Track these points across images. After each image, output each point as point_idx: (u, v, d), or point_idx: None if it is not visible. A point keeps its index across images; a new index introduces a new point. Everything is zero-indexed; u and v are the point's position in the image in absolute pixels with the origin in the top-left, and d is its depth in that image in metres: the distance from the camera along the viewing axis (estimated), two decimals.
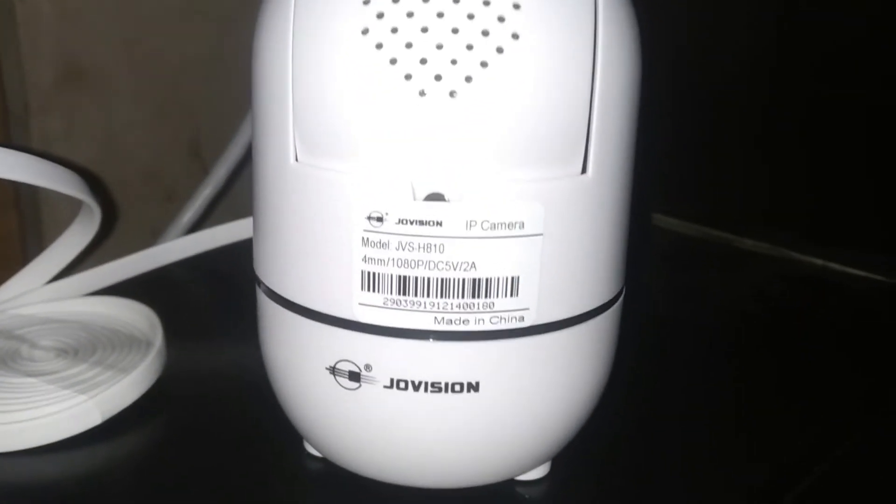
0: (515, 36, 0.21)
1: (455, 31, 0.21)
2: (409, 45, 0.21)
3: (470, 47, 0.21)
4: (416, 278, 0.22)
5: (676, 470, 0.29)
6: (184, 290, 0.41)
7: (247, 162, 0.51)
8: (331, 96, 0.22)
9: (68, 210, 0.50)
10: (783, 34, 0.44)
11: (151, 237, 0.55)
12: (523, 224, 0.22)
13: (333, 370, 0.24)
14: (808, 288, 0.43)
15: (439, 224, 0.22)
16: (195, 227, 0.47)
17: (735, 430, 0.31)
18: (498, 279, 0.22)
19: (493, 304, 0.22)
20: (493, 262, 0.22)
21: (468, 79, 0.21)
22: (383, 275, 0.22)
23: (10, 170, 0.31)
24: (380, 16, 0.21)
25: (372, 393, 0.23)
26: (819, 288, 0.43)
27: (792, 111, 0.45)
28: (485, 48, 0.21)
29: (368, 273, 0.22)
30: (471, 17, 0.21)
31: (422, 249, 0.22)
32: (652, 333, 0.37)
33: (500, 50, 0.21)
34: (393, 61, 0.21)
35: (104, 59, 0.50)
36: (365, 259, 0.22)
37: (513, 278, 0.22)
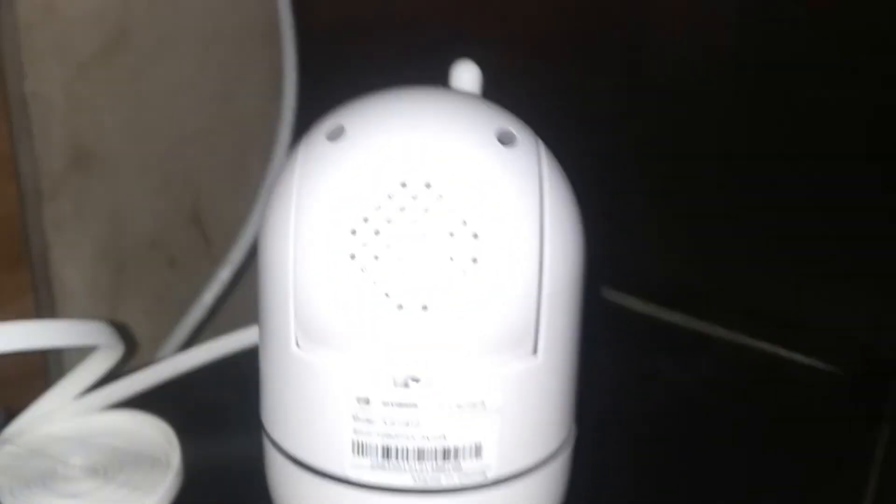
0: (475, 260, 0.26)
1: (425, 259, 0.26)
2: (387, 271, 0.26)
3: (438, 272, 0.26)
4: (397, 448, 0.27)
5: None
6: (198, 395, 0.44)
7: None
8: (326, 306, 0.27)
9: (82, 291, 0.54)
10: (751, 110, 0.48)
11: (155, 301, 0.59)
12: (484, 403, 0.27)
13: None
14: (757, 374, 0.47)
15: (415, 406, 0.27)
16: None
17: None
18: (464, 446, 0.28)
19: (461, 465, 0.28)
20: (460, 433, 0.28)
21: (437, 296, 0.26)
22: (370, 444, 0.27)
23: (34, 339, 0.35)
24: (364, 245, 0.26)
25: None
26: (766, 375, 0.47)
27: (758, 191, 0.48)
28: (450, 271, 0.26)
29: (358, 442, 0.27)
30: (438, 248, 0.26)
31: (401, 425, 0.27)
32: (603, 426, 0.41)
33: (463, 272, 0.26)
34: (375, 282, 0.26)
35: (109, 140, 0.54)
36: (355, 431, 0.27)
37: (476, 445, 0.28)
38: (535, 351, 0.28)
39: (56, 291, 0.53)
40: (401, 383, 0.27)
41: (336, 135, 0.28)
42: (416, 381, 0.27)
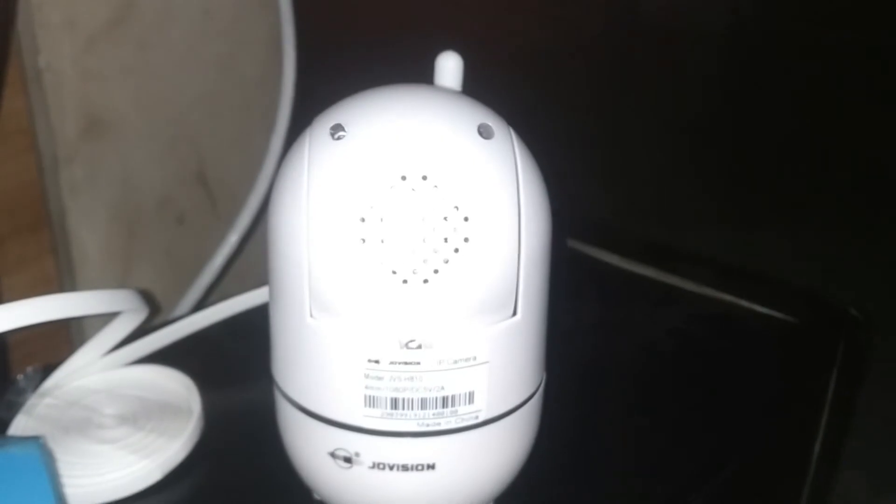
0: (466, 239, 0.31)
1: (424, 240, 0.31)
2: (393, 251, 0.31)
3: (436, 251, 0.31)
4: (404, 399, 0.32)
5: (600, 477, 0.39)
6: (213, 349, 0.48)
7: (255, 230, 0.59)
8: (340, 283, 0.31)
9: (97, 251, 0.58)
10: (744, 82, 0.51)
11: (165, 257, 0.63)
12: (475, 357, 0.32)
13: (333, 454, 0.34)
14: (720, 324, 0.52)
15: (418, 364, 0.32)
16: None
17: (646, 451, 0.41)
18: (460, 394, 0.33)
19: (457, 410, 0.33)
20: (456, 384, 0.32)
21: (436, 271, 0.31)
22: (380, 397, 0.32)
23: (70, 309, 0.39)
24: (372, 230, 0.31)
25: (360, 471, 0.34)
26: (728, 324, 0.52)
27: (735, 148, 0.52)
28: (446, 250, 0.31)
29: (370, 396, 0.32)
30: (434, 229, 0.31)
31: (406, 380, 0.32)
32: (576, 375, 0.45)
33: (456, 250, 0.31)
34: (382, 262, 0.31)
35: (118, 108, 0.58)
36: (367, 387, 0.32)
37: (470, 393, 0.33)
38: (514, 312, 0.33)
39: (74, 252, 0.57)
40: (405, 346, 0.31)
41: (338, 133, 0.32)
42: (418, 344, 0.31)
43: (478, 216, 0.31)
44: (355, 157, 0.31)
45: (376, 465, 0.33)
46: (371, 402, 0.32)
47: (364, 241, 0.30)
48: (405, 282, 0.31)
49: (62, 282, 0.57)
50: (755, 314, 0.51)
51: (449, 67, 0.36)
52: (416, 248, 0.30)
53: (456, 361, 0.32)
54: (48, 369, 0.43)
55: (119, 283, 0.59)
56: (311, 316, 0.32)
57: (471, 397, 0.33)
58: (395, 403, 0.32)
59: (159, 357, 0.46)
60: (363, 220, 0.30)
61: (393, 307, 0.31)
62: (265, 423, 0.38)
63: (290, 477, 0.37)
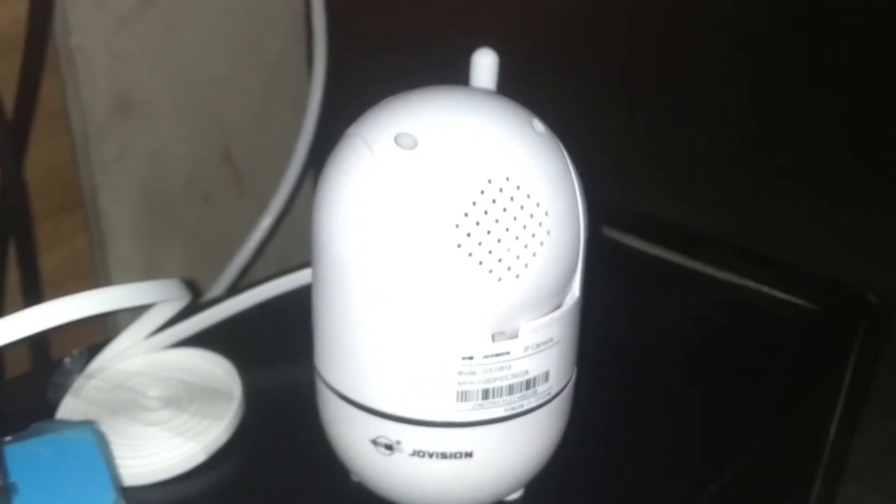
0: (549, 232, 0.33)
1: (517, 238, 0.32)
2: (490, 252, 0.32)
3: (526, 246, 0.32)
4: (493, 388, 0.34)
5: (626, 464, 0.41)
6: (250, 331, 0.49)
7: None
8: (436, 289, 0.32)
9: (127, 228, 0.59)
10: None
11: (191, 234, 0.64)
12: (552, 339, 0.34)
13: (374, 442, 0.35)
14: (742, 310, 0.53)
15: (508, 353, 0.33)
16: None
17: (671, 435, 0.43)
18: (539, 375, 0.35)
19: (537, 390, 0.35)
20: (537, 367, 0.34)
21: (526, 265, 0.32)
22: (471, 391, 0.34)
23: (121, 301, 0.39)
24: (468, 234, 0.32)
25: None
26: (749, 310, 0.53)
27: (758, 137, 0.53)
28: (534, 244, 0.32)
29: (462, 391, 0.34)
30: (524, 227, 0.32)
31: (497, 370, 0.34)
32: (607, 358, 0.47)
33: (542, 244, 0.33)
34: (481, 262, 0.32)
35: (146, 87, 0.58)
36: (459, 383, 0.34)
37: (546, 372, 0.35)
38: (573, 292, 0.35)
39: (105, 230, 0.58)
40: (498, 339, 0.33)
41: (408, 142, 0.32)
42: (508, 335, 0.33)
43: (554, 209, 0.33)
44: (439, 165, 0.32)
45: (416, 453, 0.35)
46: (463, 396, 0.33)
47: (460, 245, 0.31)
48: (500, 280, 0.32)
49: (94, 259, 0.58)
50: (775, 300, 0.52)
51: (484, 64, 0.37)
52: (511, 247, 0.32)
53: (538, 345, 0.34)
54: (92, 351, 0.45)
55: (147, 259, 0.60)
56: (407, 322, 0.33)
57: (546, 376, 0.35)
58: (486, 394, 0.34)
59: (196, 339, 0.47)
60: (457, 226, 0.31)
61: (488, 305, 0.32)
62: (303, 406, 0.39)
63: (330, 458, 0.38)
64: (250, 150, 0.65)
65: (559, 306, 0.34)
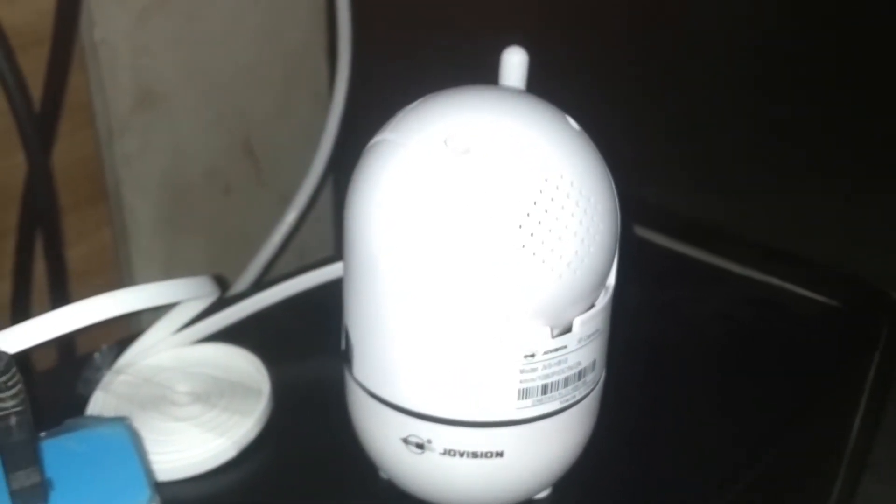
0: (599, 226, 0.33)
1: (575, 233, 0.32)
2: (552, 250, 0.32)
3: (582, 241, 0.33)
4: (551, 383, 0.34)
5: (652, 461, 0.41)
6: (276, 326, 0.49)
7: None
8: (507, 289, 0.32)
9: (149, 220, 0.59)
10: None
11: (212, 226, 0.64)
12: (600, 330, 0.35)
13: (405, 440, 0.35)
14: (766, 306, 0.53)
15: (565, 347, 0.34)
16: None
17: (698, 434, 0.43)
18: (589, 365, 0.35)
19: (587, 380, 0.36)
20: (588, 356, 0.35)
21: (583, 260, 0.33)
22: (532, 388, 0.34)
23: (157, 298, 0.40)
24: (531, 234, 0.32)
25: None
26: (773, 306, 0.53)
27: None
28: (590, 240, 0.33)
29: (523, 389, 0.34)
30: (580, 222, 0.33)
31: (555, 365, 0.34)
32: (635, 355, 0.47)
33: (595, 238, 0.33)
34: (544, 261, 0.32)
35: (168, 80, 0.58)
36: (521, 381, 0.34)
37: (594, 361, 0.36)
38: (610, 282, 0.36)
39: (128, 222, 0.58)
40: (557, 334, 0.33)
41: (459, 146, 0.32)
42: (564, 329, 0.33)
43: (601, 203, 0.33)
44: (497, 168, 0.32)
45: (448, 452, 0.35)
46: (524, 393, 0.34)
47: (524, 246, 0.32)
48: (560, 276, 0.32)
49: (118, 251, 0.58)
50: (798, 297, 0.52)
51: (514, 62, 0.37)
52: (570, 243, 0.32)
53: (589, 336, 0.34)
54: (121, 346, 0.45)
55: (168, 251, 0.60)
56: (470, 323, 0.33)
57: (594, 365, 0.35)
58: (545, 389, 0.34)
59: (223, 334, 0.47)
60: (520, 226, 0.31)
61: (550, 302, 0.33)
62: (331, 402, 0.39)
63: (359, 455, 0.38)
64: (271, 142, 0.65)
65: (597, 297, 0.35)
